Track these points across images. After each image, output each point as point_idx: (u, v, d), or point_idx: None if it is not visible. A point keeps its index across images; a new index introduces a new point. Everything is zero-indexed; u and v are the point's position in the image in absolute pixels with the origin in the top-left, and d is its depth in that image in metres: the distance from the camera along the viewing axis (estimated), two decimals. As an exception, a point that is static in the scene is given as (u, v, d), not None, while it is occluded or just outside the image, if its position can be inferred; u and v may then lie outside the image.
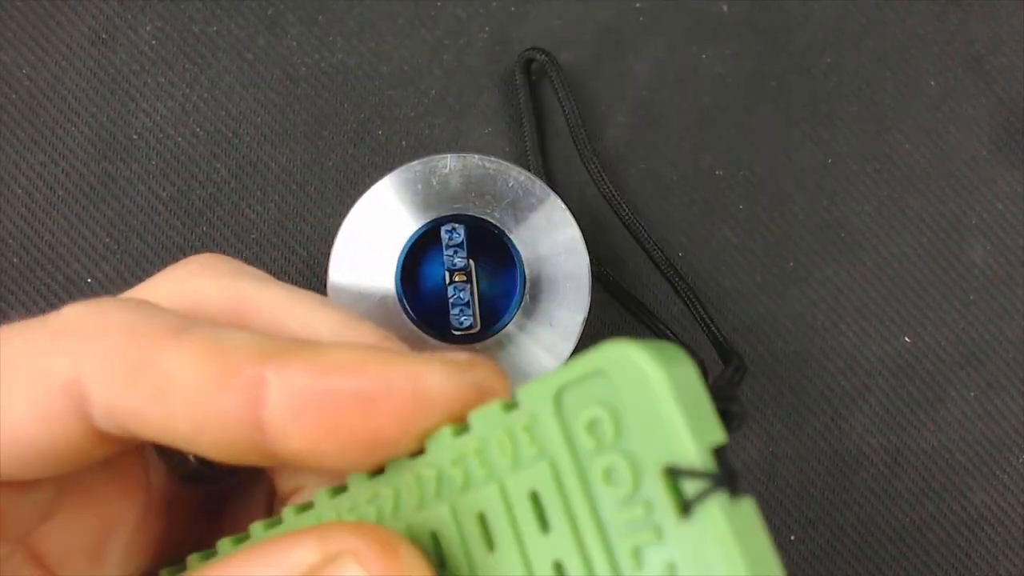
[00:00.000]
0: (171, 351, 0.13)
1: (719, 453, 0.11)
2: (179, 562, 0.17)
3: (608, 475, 0.11)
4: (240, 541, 0.15)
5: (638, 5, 0.33)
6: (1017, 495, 0.31)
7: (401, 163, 0.26)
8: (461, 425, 0.13)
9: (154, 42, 0.31)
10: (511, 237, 0.25)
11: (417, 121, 0.31)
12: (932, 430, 0.31)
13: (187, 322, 0.14)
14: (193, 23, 0.31)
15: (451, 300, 0.25)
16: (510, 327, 0.25)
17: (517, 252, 0.25)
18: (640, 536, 0.11)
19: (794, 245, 0.32)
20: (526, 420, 0.12)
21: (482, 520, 0.13)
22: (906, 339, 0.32)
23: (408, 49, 0.32)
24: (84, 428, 0.14)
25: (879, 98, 0.33)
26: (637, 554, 0.11)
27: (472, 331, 0.25)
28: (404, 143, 0.31)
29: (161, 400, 0.13)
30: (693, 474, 0.11)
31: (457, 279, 0.25)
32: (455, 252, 0.25)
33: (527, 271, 0.25)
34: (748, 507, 0.11)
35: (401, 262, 0.25)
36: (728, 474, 0.11)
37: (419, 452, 0.13)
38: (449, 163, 0.25)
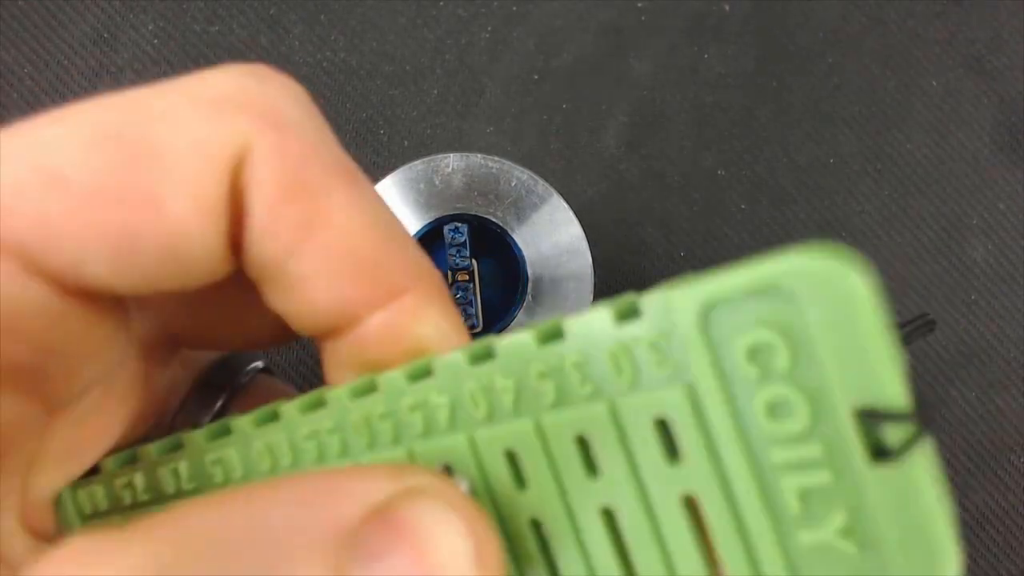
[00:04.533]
0: (339, 202, 0.12)
1: (911, 385, 0.10)
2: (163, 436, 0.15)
3: (773, 409, 0.10)
4: (266, 419, 0.14)
5: (639, 5, 0.33)
6: (1017, 495, 0.31)
7: (403, 162, 0.26)
8: (547, 331, 0.11)
9: (156, 41, 0.31)
10: (514, 236, 0.25)
11: (419, 120, 0.31)
12: (932, 430, 0.31)
13: (358, 170, 0.13)
14: (195, 22, 0.31)
15: (453, 300, 0.25)
16: (513, 327, 0.25)
17: (519, 251, 0.25)
18: (811, 477, 0.10)
19: (794, 245, 0.32)
20: (653, 336, 0.10)
21: (582, 443, 0.11)
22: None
23: (410, 48, 0.32)
24: (228, 232, 0.12)
25: (880, 98, 0.33)
26: (806, 497, 0.10)
27: (475, 331, 0.25)
28: (406, 142, 0.31)
29: (302, 238, 0.12)
30: (896, 417, 0.09)
31: (460, 278, 0.25)
32: (458, 251, 0.25)
33: (529, 271, 0.25)
34: (933, 445, 0.10)
35: (403, 261, 0.25)
36: (924, 414, 0.09)
37: (481, 356, 0.12)
38: (451, 162, 0.25)
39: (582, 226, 0.26)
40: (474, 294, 0.25)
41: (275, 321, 0.14)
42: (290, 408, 0.13)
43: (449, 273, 0.25)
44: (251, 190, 0.12)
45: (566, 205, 0.26)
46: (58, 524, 0.16)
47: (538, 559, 0.12)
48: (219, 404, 0.17)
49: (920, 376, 0.32)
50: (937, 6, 0.33)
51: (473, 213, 0.25)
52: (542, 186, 0.26)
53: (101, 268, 0.12)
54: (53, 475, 0.15)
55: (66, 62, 0.31)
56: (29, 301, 0.12)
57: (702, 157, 0.32)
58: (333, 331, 0.13)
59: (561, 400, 0.11)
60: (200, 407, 0.17)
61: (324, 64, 0.31)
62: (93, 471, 0.16)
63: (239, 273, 0.13)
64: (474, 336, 0.25)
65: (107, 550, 0.10)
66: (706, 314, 0.10)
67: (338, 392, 0.13)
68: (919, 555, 0.09)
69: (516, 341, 0.11)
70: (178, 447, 0.15)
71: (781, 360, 0.10)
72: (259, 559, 0.10)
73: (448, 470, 0.12)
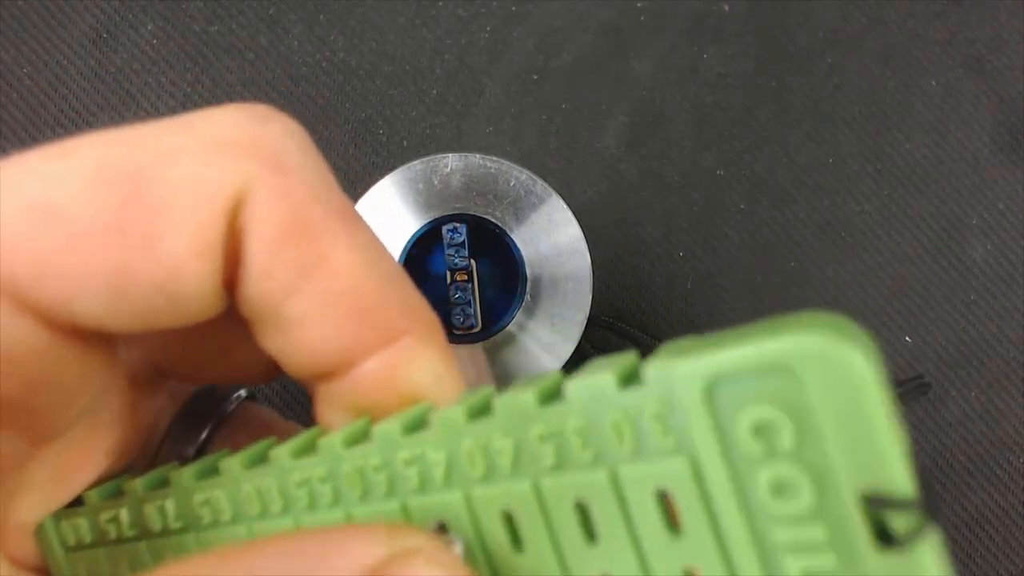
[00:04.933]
0: (338, 244, 0.12)
1: (916, 472, 0.09)
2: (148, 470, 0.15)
3: (777, 488, 0.10)
4: (255, 461, 0.14)
5: (639, 5, 0.33)
6: (1017, 495, 0.31)
7: (402, 162, 0.26)
8: (547, 390, 0.11)
9: (155, 41, 0.31)
10: (512, 237, 0.25)
11: (418, 120, 0.31)
12: (932, 430, 0.31)
13: (358, 214, 0.13)
14: (194, 22, 0.31)
15: (452, 300, 0.25)
16: (511, 327, 0.25)
17: (518, 252, 0.25)
18: (816, 560, 0.10)
19: (794, 245, 0.32)
20: (656, 407, 0.10)
21: (580, 509, 0.11)
22: (906, 339, 0.32)
23: (409, 48, 0.32)
24: (224, 270, 0.12)
25: (880, 98, 0.33)
26: None
27: (473, 331, 0.25)
28: (405, 142, 0.31)
29: (300, 279, 0.12)
30: (901, 505, 0.09)
31: (458, 279, 0.25)
32: (456, 251, 0.25)
33: (528, 271, 0.25)
34: (939, 532, 0.10)
35: (402, 261, 0.25)
36: (930, 503, 0.09)
37: (479, 412, 0.12)
38: (450, 162, 0.25)
39: (581, 226, 0.26)
40: (473, 294, 0.25)
41: (264, 359, 0.14)
42: (281, 452, 0.13)
43: (448, 273, 0.25)
44: (249, 231, 0.12)
45: (565, 205, 0.26)
46: (40, 554, 0.16)
47: None
48: (204, 434, 0.17)
49: (920, 376, 0.32)
50: (937, 6, 0.33)
51: (472, 213, 0.25)
52: (541, 186, 0.26)
53: (94, 306, 0.12)
54: (35, 503, 0.15)
55: (65, 62, 0.31)
56: (19, 338, 0.12)
57: (702, 157, 0.32)
58: (326, 374, 0.13)
59: (561, 464, 0.11)
60: (185, 436, 0.17)
61: (323, 64, 0.31)
62: (77, 502, 0.16)
63: (230, 311, 0.13)
64: (474, 335, 0.25)
65: None
66: (711, 388, 0.10)
67: (331, 439, 0.13)
68: None
69: (515, 400, 0.11)
70: (164, 483, 0.15)
71: (786, 438, 0.09)
72: None
73: (443, 528, 0.12)
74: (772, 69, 0.33)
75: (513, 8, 0.32)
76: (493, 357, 0.25)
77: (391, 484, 0.12)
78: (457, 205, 0.25)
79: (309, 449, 0.13)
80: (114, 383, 0.15)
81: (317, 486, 0.13)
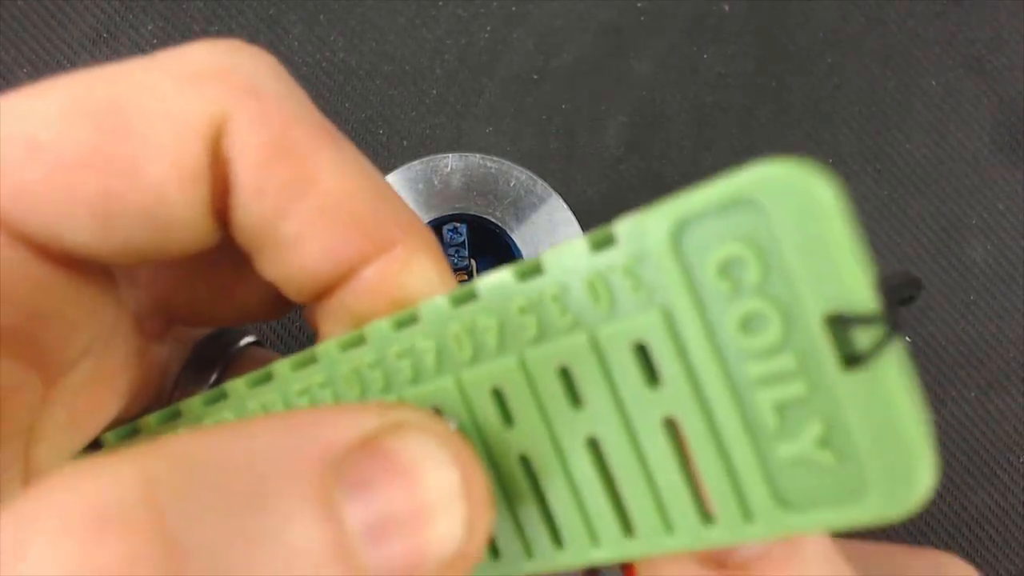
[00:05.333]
0: (325, 162, 0.12)
1: (878, 286, 0.09)
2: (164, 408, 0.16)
3: (746, 323, 0.10)
4: (260, 381, 0.14)
5: (639, 5, 0.33)
6: (1017, 495, 0.31)
7: (403, 162, 0.26)
8: (527, 267, 0.11)
9: (156, 41, 0.31)
10: (512, 236, 0.25)
11: (418, 120, 0.31)
12: (932, 430, 0.31)
13: (337, 131, 0.13)
14: (194, 22, 0.31)
15: (452, 299, 0.25)
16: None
17: (518, 251, 0.25)
18: (786, 389, 0.10)
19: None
20: (627, 261, 0.10)
21: (565, 374, 0.11)
22: (906, 339, 0.32)
23: (409, 49, 0.32)
24: (211, 200, 0.12)
25: (880, 98, 0.33)
26: (781, 409, 0.10)
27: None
28: (405, 142, 0.31)
29: (291, 199, 0.12)
30: (865, 321, 0.09)
31: (458, 279, 0.25)
32: (457, 251, 0.25)
33: (528, 270, 0.25)
34: (902, 348, 0.10)
35: (402, 261, 0.25)
36: (892, 315, 0.09)
37: (464, 298, 0.12)
38: (451, 162, 0.25)
39: (581, 226, 0.26)
40: (473, 294, 0.25)
41: (267, 294, 0.14)
42: (282, 367, 0.14)
43: (448, 273, 0.25)
44: (235, 156, 0.12)
45: (565, 205, 0.26)
46: None
47: (529, 495, 0.12)
48: (213, 377, 0.18)
49: (920, 376, 0.32)
50: (937, 6, 0.33)
51: (472, 213, 0.25)
52: (541, 186, 0.26)
53: (82, 234, 0.12)
54: (54, 444, 0.15)
55: (65, 62, 0.31)
56: (13, 266, 0.12)
57: (702, 157, 0.32)
58: (326, 290, 0.13)
59: (543, 334, 0.11)
60: (195, 381, 0.17)
61: (323, 64, 0.31)
62: (96, 446, 0.16)
63: (229, 248, 0.14)
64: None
65: (97, 471, 0.10)
66: (677, 233, 0.10)
67: (328, 346, 0.13)
68: (894, 460, 0.09)
69: (497, 279, 0.11)
70: (177, 416, 0.15)
71: (751, 273, 0.10)
72: (247, 482, 0.10)
73: (437, 413, 0.12)
74: (772, 69, 0.33)
75: (513, 8, 0.32)
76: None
77: (386, 379, 0.13)
78: (457, 205, 0.25)
79: (310, 360, 0.13)
80: (120, 325, 0.15)
81: (317, 392, 0.13)
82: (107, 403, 0.16)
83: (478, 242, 0.26)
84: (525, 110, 0.32)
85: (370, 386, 0.13)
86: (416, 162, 0.25)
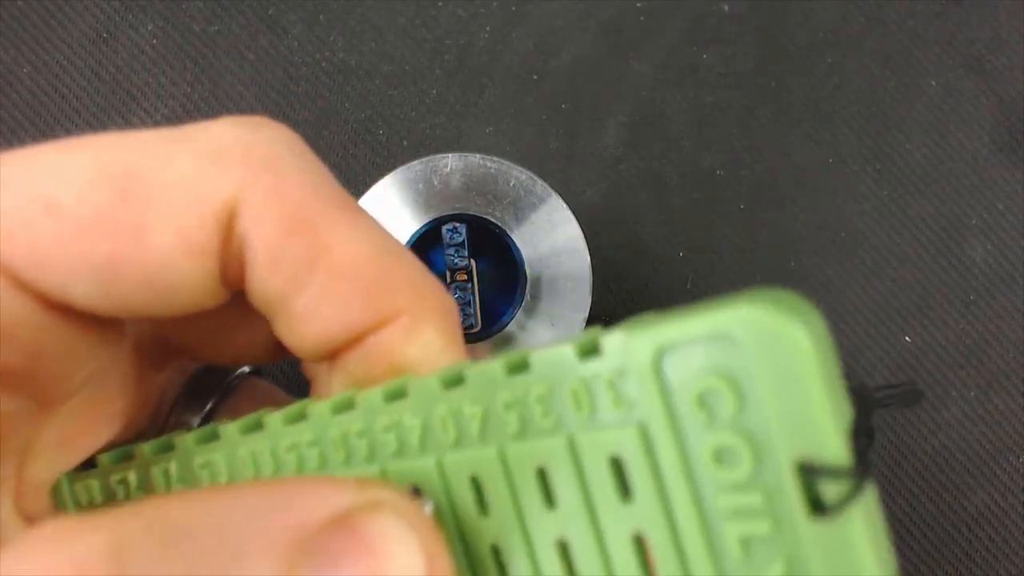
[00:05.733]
0: (339, 233, 0.13)
1: (852, 435, 0.10)
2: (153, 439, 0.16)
3: (719, 455, 0.10)
4: (251, 428, 0.15)
5: (639, 5, 0.33)
6: (1017, 495, 0.31)
7: (402, 162, 0.26)
8: (515, 362, 0.12)
9: (155, 41, 0.31)
10: (512, 236, 0.25)
11: (418, 121, 0.31)
12: (932, 430, 0.31)
13: (356, 203, 0.14)
14: (194, 22, 0.31)
15: (452, 299, 0.25)
16: (511, 326, 0.25)
17: (518, 251, 0.25)
18: (753, 526, 0.10)
19: (794, 245, 0.32)
20: (610, 374, 0.11)
21: (541, 475, 0.11)
22: (906, 339, 0.32)
23: (409, 49, 0.32)
24: (221, 270, 0.13)
25: (880, 98, 0.33)
26: (747, 545, 0.10)
27: (473, 330, 0.25)
28: (405, 142, 0.31)
29: (305, 272, 0.13)
30: (834, 473, 0.09)
31: (458, 278, 0.25)
32: (456, 251, 0.25)
33: (528, 270, 0.25)
34: (874, 498, 0.10)
35: (402, 261, 0.25)
36: (863, 466, 0.09)
37: (453, 381, 0.12)
38: (450, 162, 0.25)
39: (581, 226, 0.26)
40: (472, 294, 0.25)
41: (269, 340, 0.15)
42: (274, 419, 0.14)
43: (447, 273, 0.25)
44: (249, 232, 0.13)
45: (565, 205, 0.26)
46: (55, 511, 0.16)
47: None
48: (209, 405, 0.18)
49: (920, 376, 0.32)
50: (937, 6, 0.33)
51: (472, 213, 0.25)
52: (541, 186, 0.26)
53: (87, 292, 0.13)
54: (47, 462, 0.16)
55: (65, 62, 0.31)
56: (17, 313, 0.13)
57: (701, 157, 0.32)
58: (332, 354, 0.14)
59: (524, 431, 0.11)
60: (191, 407, 0.18)
61: (323, 64, 0.31)
62: (90, 464, 0.16)
63: (236, 297, 0.14)
64: (474, 335, 0.25)
65: (75, 532, 0.10)
66: (660, 357, 0.10)
67: (319, 407, 0.13)
68: None
69: (485, 369, 0.12)
70: (170, 448, 0.15)
71: (727, 407, 0.10)
72: (216, 552, 0.10)
73: (417, 491, 0.12)
74: (772, 69, 0.33)
75: (513, 8, 0.32)
76: (493, 357, 0.25)
77: (371, 449, 0.13)
78: (457, 205, 0.25)
79: (300, 416, 0.14)
80: (119, 356, 0.16)
81: (305, 450, 0.14)
82: (101, 427, 0.16)
83: (478, 242, 0.26)
84: (525, 110, 0.32)
85: (355, 453, 0.13)
86: (416, 162, 0.25)
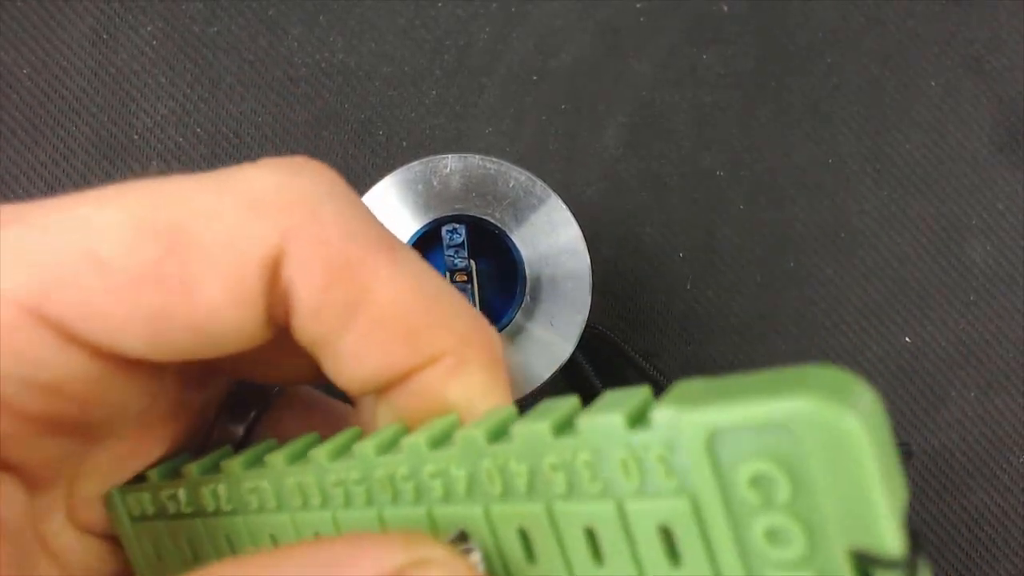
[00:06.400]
0: (380, 277, 0.13)
1: (907, 525, 0.10)
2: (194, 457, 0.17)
3: (772, 535, 0.10)
4: (296, 457, 0.15)
5: (638, 5, 0.33)
6: (1017, 495, 0.31)
7: (402, 163, 0.26)
8: (561, 422, 0.12)
9: (155, 42, 0.31)
10: (512, 237, 0.25)
11: (418, 121, 0.31)
12: (932, 430, 0.31)
13: (398, 242, 0.14)
14: (194, 23, 0.31)
15: (452, 300, 0.25)
16: (510, 327, 0.25)
17: (518, 252, 0.25)
18: None
19: (794, 245, 0.32)
20: (661, 449, 0.11)
21: (591, 535, 0.12)
22: (906, 339, 0.32)
23: (408, 49, 0.32)
24: (267, 314, 0.13)
25: (879, 98, 0.33)
26: None
27: (473, 331, 0.25)
28: (405, 143, 0.31)
29: (348, 316, 0.13)
30: (889, 564, 0.09)
31: (458, 279, 0.25)
32: (456, 252, 0.25)
33: (528, 271, 0.25)
34: None
35: (402, 262, 0.25)
36: (917, 555, 0.09)
37: (498, 434, 0.13)
38: (450, 163, 0.25)
39: (580, 226, 0.26)
40: (472, 295, 0.25)
41: (312, 367, 0.15)
42: (320, 453, 0.14)
43: (447, 274, 0.25)
44: (294, 280, 0.13)
45: (564, 206, 0.26)
46: (109, 520, 0.17)
47: None
48: (251, 417, 0.19)
49: (920, 376, 0.32)
50: (937, 6, 0.33)
51: (471, 214, 0.25)
52: (540, 187, 0.26)
53: (136, 344, 0.13)
54: (97, 483, 0.16)
55: (65, 63, 0.31)
56: (69, 367, 0.13)
57: (701, 157, 0.32)
58: (376, 391, 0.14)
59: (571, 492, 0.12)
60: (233, 420, 0.19)
61: (323, 65, 0.31)
62: (140, 477, 0.17)
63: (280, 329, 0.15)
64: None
65: None
66: (712, 438, 0.10)
67: (364, 447, 0.14)
68: None
69: (532, 430, 0.12)
70: (216, 470, 0.16)
71: (782, 492, 0.10)
72: None
73: (464, 535, 0.13)
74: (771, 69, 0.33)
75: (512, 8, 0.32)
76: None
77: (418, 492, 0.13)
78: (456, 206, 0.25)
79: (345, 451, 0.14)
80: (166, 388, 0.16)
81: (352, 487, 0.14)
82: (149, 449, 0.17)
83: (477, 242, 0.26)
84: (524, 110, 0.32)
85: (402, 495, 0.14)
86: (415, 163, 0.25)
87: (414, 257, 0.14)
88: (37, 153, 0.30)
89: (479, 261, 0.26)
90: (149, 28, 0.31)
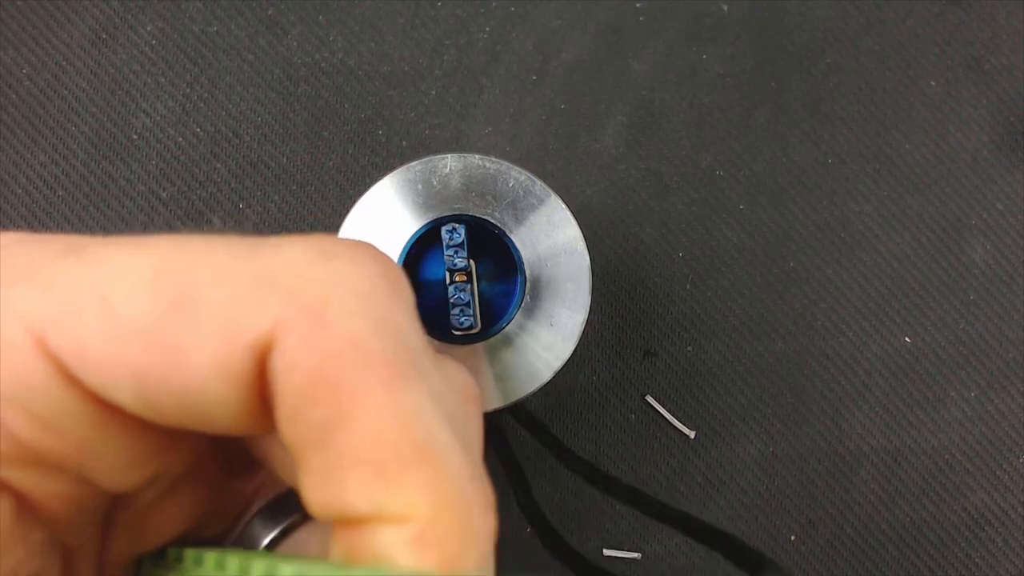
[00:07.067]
0: (367, 405, 0.12)
1: None
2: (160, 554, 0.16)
3: None
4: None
5: (638, 5, 0.33)
6: (1017, 495, 0.31)
7: (401, 163, 0.26)
8: None
9: (154, 42, 0.31)
10: (511, 237, 0.25)
11: (417, 121, 0.31)
12: (932, 430, 0.31)
13: (416, 365, 0.13)
14: (193, 23, 0.31)
15: (451, 300, 0.25)
16: (510, 327, 0.25)
17: (517, 252, 0.25)
18: None
19: (794, 245, 0.32)
20: None
21: None
22: (906, 339, 0.32)
23: (408, 49, 0.32)
24: (258, 398, 0.13)
25: (879, 98, 0.33)
26: None
27: (472, 331, 0.25)
28: (404, 143, 0.31)
29: (322, 435, 0.12)
30: None
31: (457, 279, 0.25)
32: (455, 252, 0.25)
33: (527, 271, 0.25)
34: None
35: (401, 262, 0.25)
36: None
37: None
38: (449, 163, 0.25)
39: (580, 227, 0.26)
40: (472, 295, 0.25)
41: None
42: (209, 559, 0.14)
43: (447, 274, 0.25)
44: (277, 377, 0.12)
45: (564, 206, 0.26)
46: None
47: None
48: (285, 524, 0.18)
49: (920, 376, 0.32)
50: (936, 6, 0.33)
51: (471, 214, 0.25)
52: (540, 187, 0.26)
53: (125, 396, 0.13)
54: (124, 544, 0.16)
55: (64, 63, 0.31)
56: (61, 403, 0.13)
57: (701, 157, 0.32)
58: (328, 521, 0.13)
59: None
60: (267, 523, 0.18)
61: (322, 65, 0.31)
62: (163, 552, 0.17)
63: None
64: (474, 336, 0.25)
65: None
66: None
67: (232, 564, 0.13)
68: None
69: None
70: (222, 568, 0.15)
71: None
72: None
73: None
74: (771, 69, 0.33)
75: (512, 8, 0.32)
76: (492, 357, 0.25)
77: None
78: (456, 206, 0.25)
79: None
80: (200, 457, 0.16)
81: None
82: (175, 520, 0.16)
83: (477, 243, 0.26)
84: (524, 110, 0.32)
85: None
86: (415, 163, 0.25)
87: (418, 387, 0.12)
88: (37, 153, 0.30)
89: (479, 261, 0.26)
90: (149, 28, 0.31)
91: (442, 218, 0.25)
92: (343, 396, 0.12)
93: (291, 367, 0.12)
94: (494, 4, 0.32)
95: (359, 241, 0.14)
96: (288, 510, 0.18)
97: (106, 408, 0.13)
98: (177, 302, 0.12)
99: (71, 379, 0.13)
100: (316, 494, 0.13)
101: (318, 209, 0.31)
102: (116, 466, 0.14)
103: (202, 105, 0.31)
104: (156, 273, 0.13)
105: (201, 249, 0.13)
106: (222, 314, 0.12)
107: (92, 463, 0.14)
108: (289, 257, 0.13)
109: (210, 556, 0.16)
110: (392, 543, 0.12)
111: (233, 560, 0.15)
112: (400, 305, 0.13)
